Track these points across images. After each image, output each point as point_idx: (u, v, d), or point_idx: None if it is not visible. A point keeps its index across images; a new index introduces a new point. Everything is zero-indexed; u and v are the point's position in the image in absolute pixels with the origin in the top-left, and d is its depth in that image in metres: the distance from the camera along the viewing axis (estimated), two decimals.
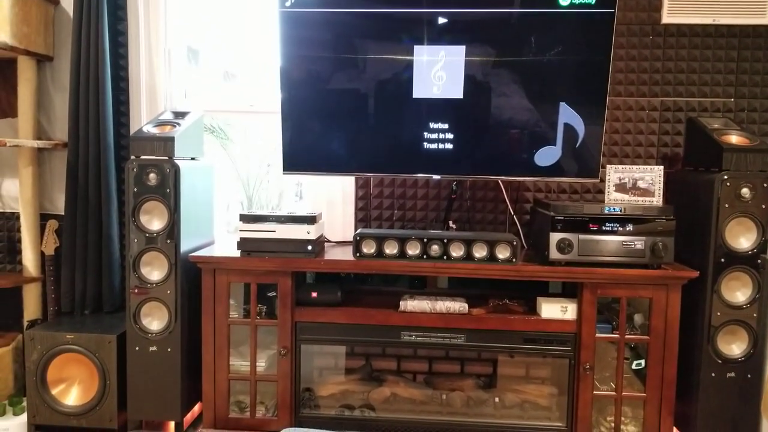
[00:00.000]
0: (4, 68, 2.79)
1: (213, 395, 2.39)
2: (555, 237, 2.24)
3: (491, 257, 2.26)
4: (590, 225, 2.24)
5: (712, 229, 2.20)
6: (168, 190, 2.30)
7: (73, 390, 2.49)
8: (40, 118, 2.81)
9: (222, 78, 3.09)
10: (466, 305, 2.33)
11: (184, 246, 2.36)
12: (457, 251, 2.28)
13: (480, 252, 2.27)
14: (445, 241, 2.28)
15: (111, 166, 2.66)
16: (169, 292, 2.33)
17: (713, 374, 2.23)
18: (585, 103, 2.37)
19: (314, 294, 2.37)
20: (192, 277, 2.40)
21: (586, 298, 2.25)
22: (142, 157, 2.33)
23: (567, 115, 2.38)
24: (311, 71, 2.43)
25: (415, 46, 2.38)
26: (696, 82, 2.67)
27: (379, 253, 2.30)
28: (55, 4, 2.78)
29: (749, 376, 2.23)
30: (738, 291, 2.23)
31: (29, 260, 2.78)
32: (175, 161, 2.31)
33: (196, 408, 2.57)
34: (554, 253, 2.24)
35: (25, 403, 2.55)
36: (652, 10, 2.65)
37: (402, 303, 2.34)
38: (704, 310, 2.22)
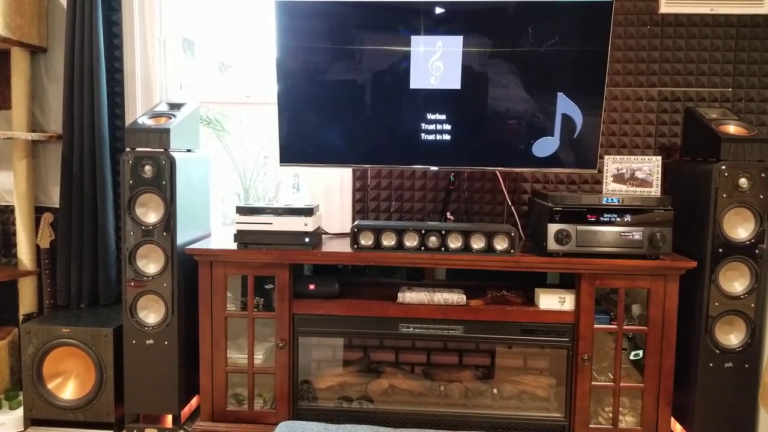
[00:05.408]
0: None
1: (210, 388, 2.39)
2: (553, 228, 2.23)
3: (489, 248, 2.26)
4: (588, 216, 2.24)
5: (710, 219, 2.20)
6: (164, 183, 2.28)
7: (69, 384, 2.48)
8: (34, 110, 2.79)
9: (218, 69, 3.07)
10: (464, 297, 2.32)
11: (181, 238, 2.34)
12: (455, 243, 2.27)
13: (478, 243, 2.26)
14: (443, 232, 2.27)
15: (106, 159, 2.64)
16: (165, 284, 2.32)
17: (711, 364, 2.24)
18: (583, 94, 2.36)
19: (312, 286, 2.36)
20: (189, 269, 2.39)
21: (584, 289, 2.25)
22: (138, 149, 2.31)
23: (565, 105, 2.37)
24: (308, 62, 2.41)
25: (412, 37, 2.36)
26: (694, 72, 2.66)
27: (377, 245, 2.29)
28: None
29: (747, 366, 2.23)
30: (736, 281, 2.23)
31: (24, 253, 2.76)
32: (171, 153, 2.29)
33: (194, 401, 2.56)
34: (552, 244, 2.24)
35: (21, 398, 2.54)
36: None
37: (400, 295, 2.34)
38: (702, 300, 2.22)
